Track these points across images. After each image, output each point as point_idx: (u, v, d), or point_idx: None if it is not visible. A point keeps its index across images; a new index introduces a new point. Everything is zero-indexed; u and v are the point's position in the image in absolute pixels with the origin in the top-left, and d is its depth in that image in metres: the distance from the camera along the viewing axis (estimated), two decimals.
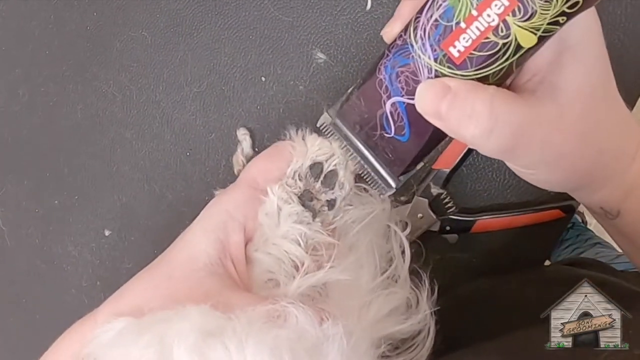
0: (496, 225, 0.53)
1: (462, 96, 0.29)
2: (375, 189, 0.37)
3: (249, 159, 0.54)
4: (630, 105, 0.51)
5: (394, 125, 0.34)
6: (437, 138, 0.33)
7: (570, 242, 0.81)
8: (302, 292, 0.36)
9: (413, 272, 0.41)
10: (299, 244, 0.37)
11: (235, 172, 0.55)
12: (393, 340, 0.38)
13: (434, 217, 0.52)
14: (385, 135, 0.34)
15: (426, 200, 0.52)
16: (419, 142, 0.34)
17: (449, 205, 0.52)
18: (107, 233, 0.58)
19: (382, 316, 0.37)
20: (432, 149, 0.35)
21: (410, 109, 0.32)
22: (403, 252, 0.41)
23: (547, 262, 0.84)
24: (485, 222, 0.52)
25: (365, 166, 0.36)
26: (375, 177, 0.37)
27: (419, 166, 0.36)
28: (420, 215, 0.52)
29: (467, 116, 0.29)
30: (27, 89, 0.58)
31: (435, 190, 0.52)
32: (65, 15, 0.57)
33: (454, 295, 0.54)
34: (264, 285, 0.38)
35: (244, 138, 0.54)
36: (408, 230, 0.53)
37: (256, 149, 0.55)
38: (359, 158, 0.37)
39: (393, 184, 0.36)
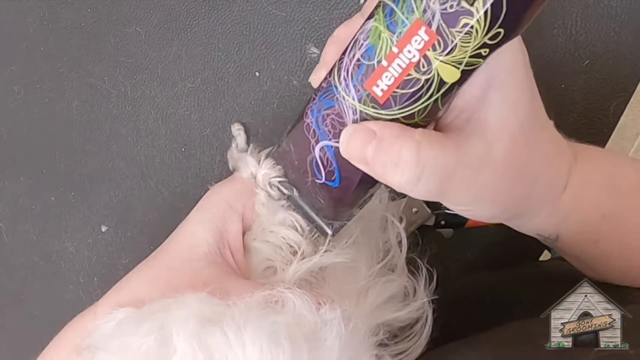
0: None
1: (387, 142, 0.29)
2: (315, 234, 0.37)
3: None
4: (626, 99, 0.50)
5: (324, 170, 0.33)
6: (367, 182, 0.32)
7: None
8: (300, 277, 0.36)
9: (410, 262, 0.41)
10: (296, 230, 0.37)
11: (230, 167, 0.55)
12: (391, 328, 0.38)
13: (429, 211, 0.52)
14: (317, 181, 0.34)
15: None
16: (350, 187, 0.33)
17: None
18: (103, 229, 0.58)
19: (380, 303, 0.37)
20: (365, 194, 0.34)
21: (338, 153, 0.31)
22: (400, 242, 0.41)
23: (546, 254, 0.84)
24: None
25: (301, 214, 0.36)
26: (312, 224, 0.36)
27: (355, 212, 0.35)
28: (415, 209, 0.52)
29: (394, 164, 0.29)
30: (23, 85, 0.58)
31: None
32: (59, 12, 0.57)
33: (449, 289, 0.54)
34: (262, 273, 0.38)
35: (238, 133, 0.54)
36: (403, 224, 0.53)
37: (251, 144, 0.54)
38: (294, 207, 0.36)
39: (328, 231, 0.36)
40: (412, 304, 0.38)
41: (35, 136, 0.59)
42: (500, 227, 0.53)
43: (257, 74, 0.54)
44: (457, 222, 0.52)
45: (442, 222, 0.53)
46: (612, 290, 0.34)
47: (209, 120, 0.55)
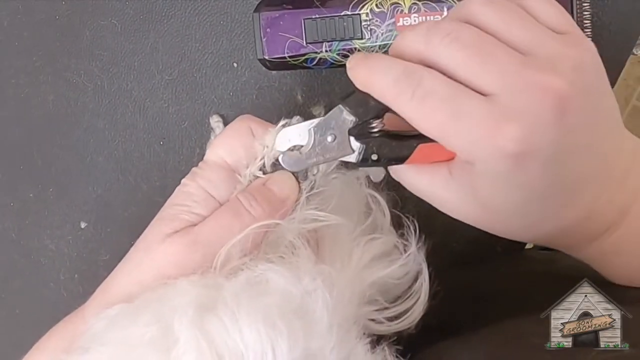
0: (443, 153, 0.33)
1: None
2: None
3: None
4: (611, 85, 0.50)
5: None
6: None
7: None
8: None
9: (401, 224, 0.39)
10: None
11: None
12: (387, 288, 0.36)
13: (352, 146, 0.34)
14: None
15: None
16: None
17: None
18: (83, 225, 0.57)
19: (367, 261, 0.36)
20: None
21: None
22: (384, 214, 0.39)
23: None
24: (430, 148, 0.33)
25: None
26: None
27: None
28: (330, 137, 0.33)
29: None
30: None
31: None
32: (33, 5, 0.56)
33: (441, 284, 0.53)
34: None
35: (217, 125, 0.53)
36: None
37: None
38: None
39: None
40: (402, 257, 0.36)
41: (11, 132, 0.58)
42: None
43: (235, 64, 0.53)
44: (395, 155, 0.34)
45: (374, 157, 0.34)
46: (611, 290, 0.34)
47: (187, 113, 0.54)
